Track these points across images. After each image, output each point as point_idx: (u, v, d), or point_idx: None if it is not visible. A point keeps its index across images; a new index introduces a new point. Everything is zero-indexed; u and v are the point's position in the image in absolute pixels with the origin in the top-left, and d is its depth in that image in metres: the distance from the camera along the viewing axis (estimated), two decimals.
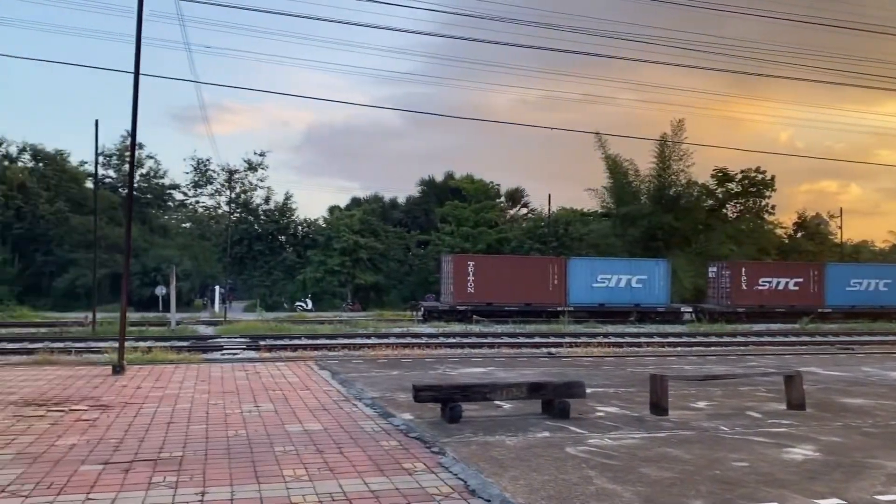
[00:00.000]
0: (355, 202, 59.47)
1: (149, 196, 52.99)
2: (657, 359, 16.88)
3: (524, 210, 60.65)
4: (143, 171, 52.74)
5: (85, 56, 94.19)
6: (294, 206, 55.30)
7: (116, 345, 16.59)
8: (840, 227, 59.38)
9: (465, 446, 7.07)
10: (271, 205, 54.91)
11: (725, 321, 34.92)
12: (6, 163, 48.68)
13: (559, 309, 34.84)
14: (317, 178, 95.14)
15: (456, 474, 5.98)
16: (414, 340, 22.51)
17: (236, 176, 54.65)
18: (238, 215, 53.35)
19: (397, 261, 52.09)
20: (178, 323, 29.85)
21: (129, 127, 55.32)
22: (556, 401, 8.70)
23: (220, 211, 56.48)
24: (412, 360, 15.52)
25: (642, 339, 24.76)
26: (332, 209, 57.07)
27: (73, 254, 45.26)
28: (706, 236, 48.61)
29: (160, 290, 40.79)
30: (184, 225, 57.34)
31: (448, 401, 8.31)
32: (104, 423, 7.92)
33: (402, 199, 60.86)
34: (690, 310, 38.18)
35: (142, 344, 18.37)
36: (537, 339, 24.24)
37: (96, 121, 31.99)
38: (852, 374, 13.78)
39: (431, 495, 5.41)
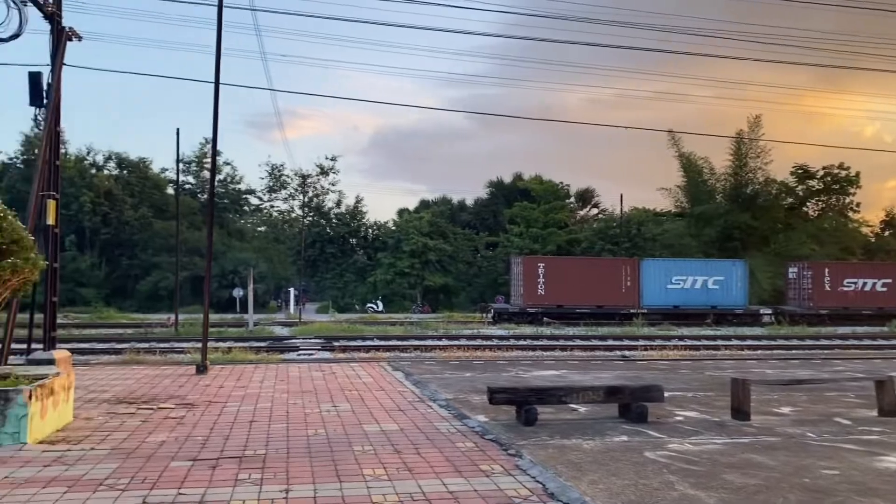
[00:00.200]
0: (424, 205, 59.94)
1: (226, 201, 54.69)
2: (736, 362, 16.40)
3: (595, 210, 59.96)
4: (221, 177, 54.49)
5: (165, 67, 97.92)
6: (364, 210, 56.19)
7: (198, 345, 17.22)
8: None
9: (541, 449, 7.03)
10: (342, 208, 55.92)
11: (807, 324, 33.62)
12: (93, 171, 51.06)
13: (632, 311, 34.26)
14: (384, 181, 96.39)
15: (534, 477, 5.96)
16: (485, 343, 22.51)
17: (309, 180, 55.91)
18: (311, 219, 54.51)
19: (466, 262, 52.24)
20: (255, 324, 30.68)
21: (206, 134, 56.93)
22: (633, 405, 8.56)
23: (293, 215, 57.87)
24: (484, 363, 15.52)
25: (719, 342, 24.08)
26: (401, 212, 57.72)
27: (156, 257, 47.18)
28: (786, 236, 46.91)
29: (237, 292, 42.12)
30: (259, 229, 58.97)
31: (523, 403, 8.29)
32: (191, 421, 8.22)
33: (470, 201, 61.08)
34: (770, 312, 36.92)
35: (222, 344, 18.96)
36: (610, 342, 23.89)
37: (177, 129, 33.35)
38: None
39: (510, 497, 5.41)
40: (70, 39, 11.86)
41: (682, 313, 35.13)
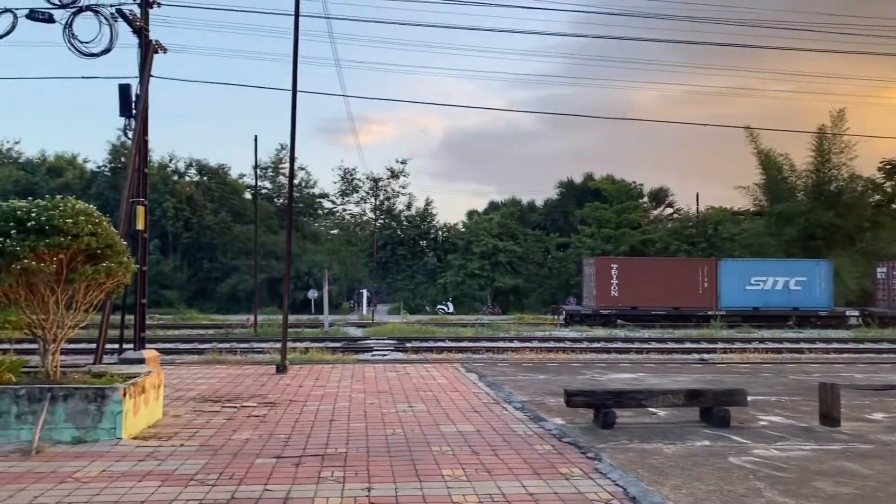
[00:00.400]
0: (493, 206, 59.88)
1: (300, 205, 55.96)
2: (822, 366, 15.76)
3: (669, 210, 58.57)
4: (295, 181, 55.69)
5: (243, 76, 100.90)
6: (434, 212, 56.56)
7: (277, 345, 17.69)
8: None
9: (621, 453, 6.94)
10: (413, 210, 56.44)
11: None
12: (175, 177, 53.08)
13: (709, 313, 33.35)
14: (452, 182, 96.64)
15: (614, 481, 5.88)
16: (557, 345, 22.32)
17: (380, 184, 56.67)
18: (382, 221, 55.23)
19: (536, 264, 51.92)
20: (330, 325, 31.27)
21: (282, 140, 58.21)
22: (715, 408, 8.34)
23: (365, 217, 58.69)
24: (558, 365, 15.40)
25: (803, 345, 23.17)
26: (471, 213, 57.82)
27: (234, 260, 48.71)
28: (873, 234, 44.70)
29: (312, 294, 43.04)
30: (332, 232, 60.09)
31: (601, 406, 8.19)
32: (273, 419, 8.45)
33: (539, 202, 60.67)
34: (857, 314, 35.30)
35: (299, 345, 19.40)
36: (688, 345, 23.32)
37: (255, 136, 34.25)
38: None
39: (591, 501, 5.35)
40: (156, 52, 12.38)
41: (761, 315, 33.99)
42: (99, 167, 54.21)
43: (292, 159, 14.23)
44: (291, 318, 33.67)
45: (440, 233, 55.71)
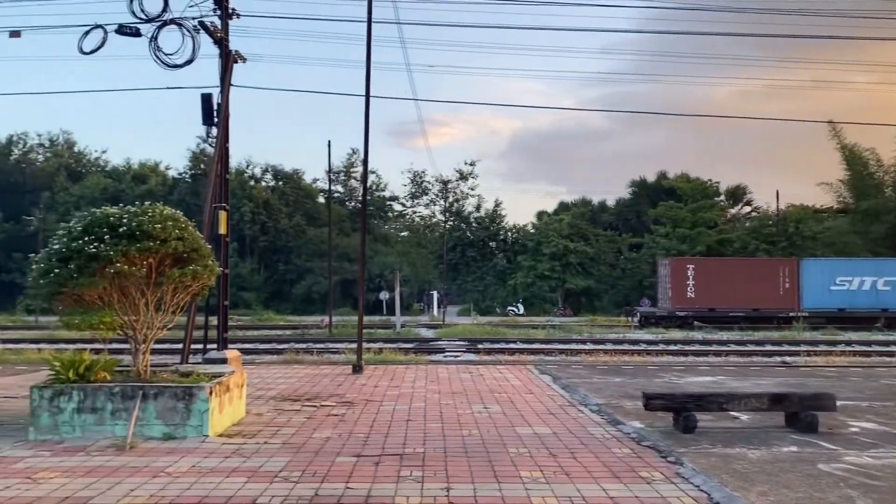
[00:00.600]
0: (563, 206, 59.32)
1: (371, 208, 56.80)
2: None
3: (747, 208, 56.78)
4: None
5: (316, 82, 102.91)
6: (503, 213, 56.47)
7: (351, 346, 18.02)
8: None
9: (703, 457, 6.77)
10: (482, 212, 56.49)
11: None
12: (252, 182, 54.67)
13: (791, 314, 32.19)
14: (522, 183, 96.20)
15: (697, 486, 5.75)
16: (632, 347, 21.95)
17: (449, 186, 56.93)
18: (452, 223, 55.47)
19: (608, 265, 51.19)
20: (401, 326, 31.61)
21: (353, 144, 59.18)
22: (801, 413, 8.04)
23: (434, 219, 59.08)
24: (633, 367, 15.15)
25: (894, 348, 22.09)
26: (541, 214, 57.46)
27: (309, 263, 49.85)
28: None
29: (383, 295, 43.62)
30: (402, 234, 60.73)
31: (681, 410, 8.01)
32: (351, 419, 8.61)
33: (611, 202, 59.76)
34: None
35: (373, 345, 19.69)
36: (769, 347, 22.56)
37: (328, 142, 35.04)
38: None
39: None
40: (236, 62, 12.79)
41: (847, 317, 32.58)
42: (180, 174, 56.39)
43: (366, 165, 14.46)
44: (364, 319, 34.32)
45: (510, 234, 55.59)
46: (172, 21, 11.99)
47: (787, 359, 18.82)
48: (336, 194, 56.49)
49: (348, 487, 5.65)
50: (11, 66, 79.23)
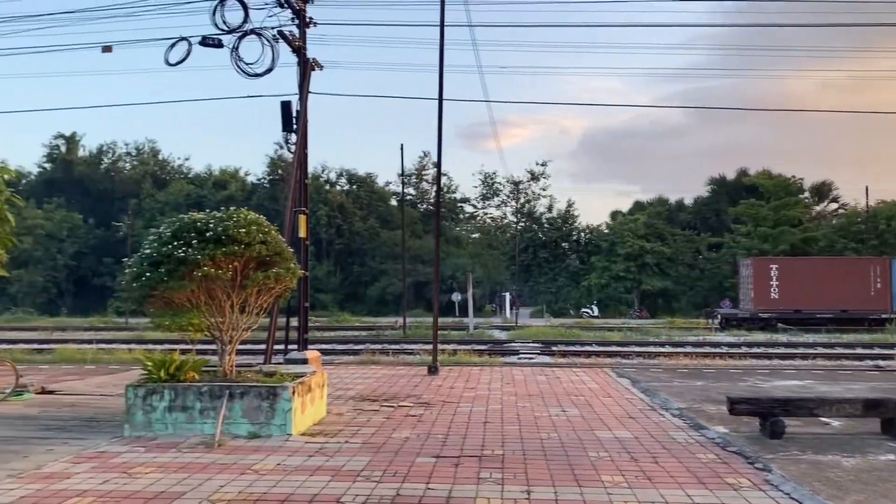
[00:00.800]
0: (638, 206, 58.18)
1: (443, 210, 57.14)
2: None
3: (833, 205, 54.41)
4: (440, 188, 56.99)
5: (387, 87, 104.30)
6: (576, 213, 55.84)
7: (426, 347, 18.13)
8: None
9: (792, 464, 6.52)
10: (554, 213, 56.01)
11: None
12: (327, 187, 55.82)
13: (884, 316, 30.65)
14: (594, 183, 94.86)
15: (787, 493, 5.54)
16: (713, 350, 21.33)
17: (520, 186, 56.70)
18: (523, 224, 55.22)
19: (686, 265, 49.93)
20: (474, 327, 31.64)
21: (424, 147, 59.75)
22: None
23: (505, 221, 58.95)
24: (715, 371, 14.72)
25: None
26: (615, 214, 56.52)
27: (382, 265, 50.54)
28: None
29: (456, 297, 43.76)
30: (473, 235, 60.83)
31: (768, 415, 7.74)
32: (429, 419, 8.68)
33: (689, 201, 58.25)
34: None
35: (447, 347, 19.76)
36: (859, 350, 21.54)
37: (401, 145, 35.25)
38: None
39: None
40: (313, 69, 13.10)
41: None
42: (259, 179, 58.09)
43: (439, 169, 14.55)
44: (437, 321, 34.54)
45: (583, 234, 54.92)
46: (252, 31, 12.37)
47: (880, 363, 17.93)
48: (408, 197, 57.09)
49: (429, 488, 5.69)
50: (104, 79, 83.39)
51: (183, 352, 9.08)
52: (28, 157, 62.95)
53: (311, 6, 13.27)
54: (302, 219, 12.79)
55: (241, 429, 7.58)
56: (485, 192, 59.07)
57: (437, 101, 14.02)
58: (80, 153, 61.80)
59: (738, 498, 5.47)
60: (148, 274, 7.82)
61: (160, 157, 63.18)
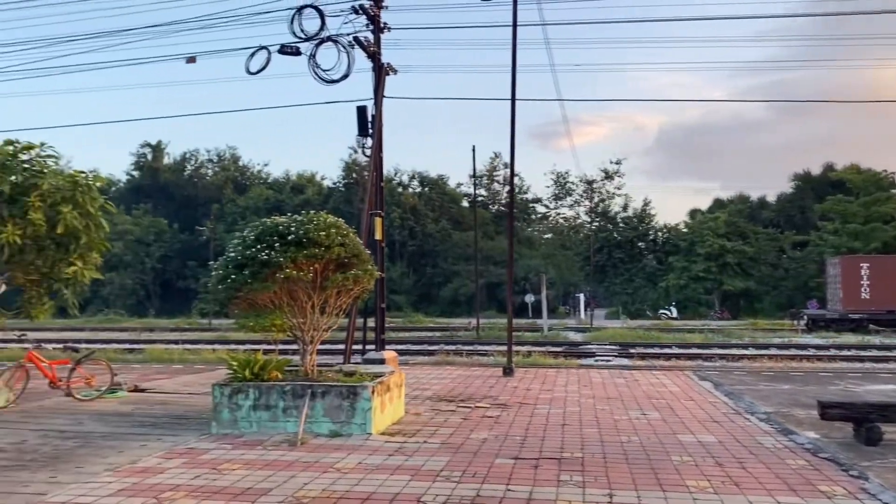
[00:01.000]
0: (718, 204, 56.45)
1: (515, 211, 56.84)
2: None
3: None
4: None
5: (457, 88, 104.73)
6: (653, 212, 54.63)
7: (500, 348, 18.12)
8: None
9: (891, 472, 6.21)
10: (629, 212, 54.95)
11: None
12: (400, 189, 56.39)
13: None
14: (670, 180, 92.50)
15: (886, 503, 5.28)
16: (800, 352, 20.51)
17: (594, 185, 55.86)
18: (598, 224, 54.40)
19: (770, 265, 48.13)
20: (548, 329, 31.38)
21: (495, 148, 59.78)
22: None
23: (578, 221, 58.18)
24: (803, 374, 14.15)
25: None
26: (693, 212, 55.04)
27: (454, 266, 50.72)
28: None
29: (529, 298, 43.48)
30: (545, 236, 60.30)
31: (863, 420, 7.39)
32: (506, 421, 8.65)
33: (771, 198, 56.15)
34: None
35: (521, 348, 19.68)
36: None
37: (473, 147, 35.39)
38: None
39: None
40: (388, 74, 13.27)
41: None
42: (334, 183, 59.19)
43: (512, 169, 14.51)
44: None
45: (660, 234, 53.69)
46: (329, 38, 12.62)
47: None
48: (479, 198, 57.10)
49: (509, 489, 5.68)
50: (188, 89, 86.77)
51: (265, 352, 9.34)
52: (117, 166, 66.33)
53: (385, 12, 13.46)
54: (378, 221, 12.97)
55: (323, 427, 7.74)
56: (557, 191, 58.45)
57: (509, 102, 13.99)
58: (165, 161, 64.38)
59: None
60: (233, 276, 8.08)
61: (240, 163, 65.20)
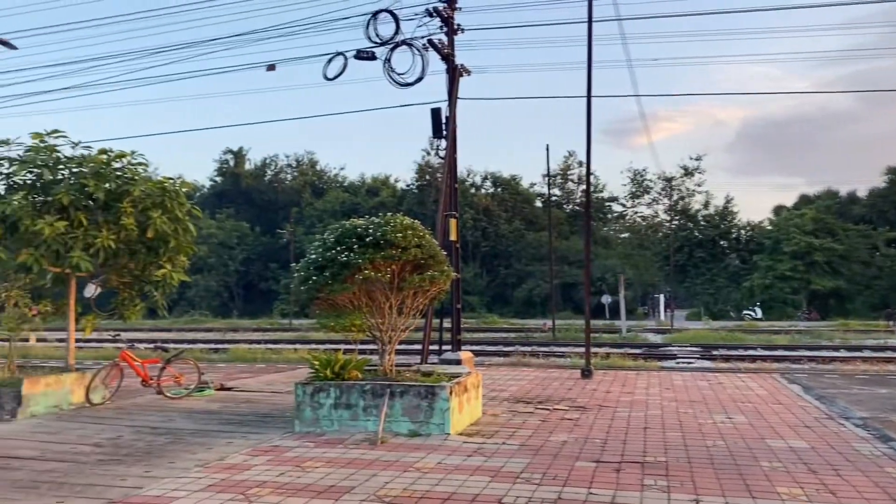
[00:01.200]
0: (804, 200, 54.28)
1: (591, 210, 56.12)
2: None
3: None
4: (585, 187, 56.08)
5: (529, 88, 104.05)
6: (735, 210, 52.95)
7: (576, 350, 17.88)
8: None
9: None
10: (710, 209, 53.41)
11: None
12: (473, 190, 56.50)
13: None
14: (753, 177, 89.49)
15: None
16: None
17: (673, 183, 54.57)
18: (677, 222, 53.09)
19: (861, 263, 45.92)
20: (627, 330, 30.81)
21: (568, 146, 59.28)
22: None
23: (657, 219, 56.95)
24: None
25: None
26: (778, 209, 53.12)
27: (528, 266, 50.42)
28: None
29: (605, 299, 42.82)
30: (622, 235, 59.28)
31: None
32: (586, 424, 8.52)
33: (862, 193, 53.58)
34: None
35: (599, 350, 19.38)
36: None
37: (546, 146, 35.13)
38: None
39: None
40: (461, 75, 13.30)
41: None
42: (408, 185, 59.84)
43: (588, 168, 14.25)
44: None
45: (743, 232, 51.99)
46: (404, 42, 12.75)
47: None
48: (553, 197, 56.61)
49: (591, 493, 5.59)
50: (268, 96, 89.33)
51: (344, 351, 9.50)
52: (201, 172, 69.34)
53: (458, 13, 13.49)
54: (453, 222, 13.01)
55: (402, 427, 7.81)
56: (634, 189, 57.49)
57: (583, 99, 13.79)
58: (247, 166, 66.51)
59: None
60: (314, 277, 8.26)
61: (318, 167, 66.74)
